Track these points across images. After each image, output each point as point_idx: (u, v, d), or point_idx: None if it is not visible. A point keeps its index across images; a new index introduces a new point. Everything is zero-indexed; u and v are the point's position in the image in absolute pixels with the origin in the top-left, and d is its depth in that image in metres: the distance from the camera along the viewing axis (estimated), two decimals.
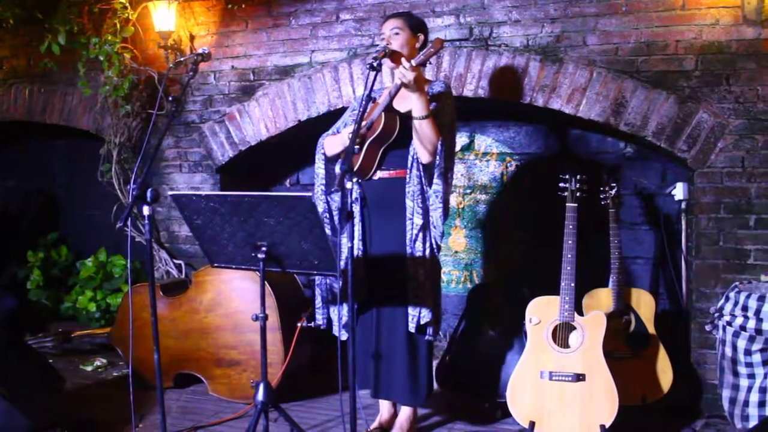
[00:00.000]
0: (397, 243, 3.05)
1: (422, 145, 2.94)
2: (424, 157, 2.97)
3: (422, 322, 3.03)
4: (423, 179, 3.01)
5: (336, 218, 3.20)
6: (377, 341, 3.10)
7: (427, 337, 3.08)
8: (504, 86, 3.76)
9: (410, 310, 3.02)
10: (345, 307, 3.08)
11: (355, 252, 3.10)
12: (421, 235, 3.00)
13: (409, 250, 3.02)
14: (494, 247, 4.35)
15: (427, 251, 3.04)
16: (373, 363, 3.10)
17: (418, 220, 3.00)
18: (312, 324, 3.27)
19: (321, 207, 3.16)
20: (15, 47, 5.08)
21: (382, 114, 2.97)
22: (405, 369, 3.06)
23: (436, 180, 3.00)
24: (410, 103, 2.93)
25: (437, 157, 2.96)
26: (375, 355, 3.09)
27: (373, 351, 3.09)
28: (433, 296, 3.08)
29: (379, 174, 3.08)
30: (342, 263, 2.78)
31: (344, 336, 3.09)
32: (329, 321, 3.24)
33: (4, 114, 5.19)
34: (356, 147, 2.97)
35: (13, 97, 5.14)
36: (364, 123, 3.00)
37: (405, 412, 3.23)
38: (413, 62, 2.87)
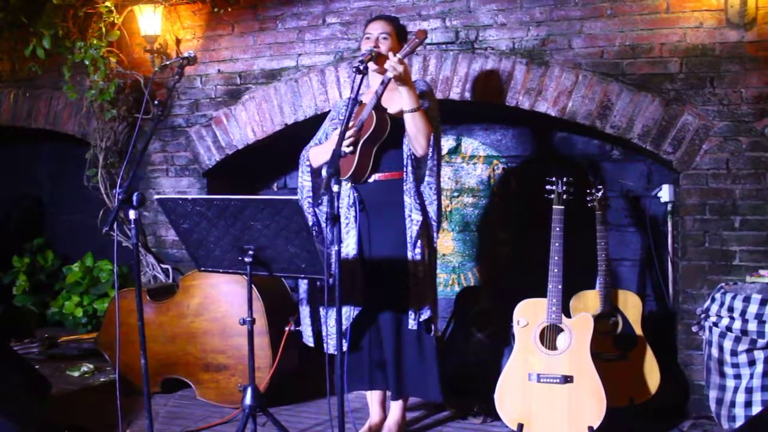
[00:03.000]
0: (397, 243, 3.05)
1: (417, 138, 2.96)
2: (420, 150, 2.99)
3: (421, 319, 3.03)
4: (417, 175, 3.04)
5: (325, 230, 3.18)
6: (384, 342, 3.09)
7: (432, 333, 3.09)
8: (490, 89, 3.77)
9: (411, 308, 3.02)
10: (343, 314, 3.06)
11: (350, 256, 3.09)
12: (420, 231, 3.01)
13: (410, 248, 3.02)
14: (482, 250, 4.36)
15: (426, 248, 3.05)
16: (385, 364, 3.09)
17: (417, 216, 3.01)
18: (300, 329, 3.26)
19: (309, 220, 3.15)
20: None
21: (373, 112, 2.97)
22: (416, 365, 3.08)
23: (428, 173, 3.05)
24: (399, 100, 2.95)
25: (430, 149, 2.97)
26: (386, 357, 3.08)
27: (381, 353, 3.09)
28: (432, 292, 3.10)
29: (375, 176, 3.08)
30: (332, 269, 2.77)
31: (332, 349, 3.08)
32: (319, 337, 3.23)
33: None
34: (350, 149, 2.98)
35: None
36: (352, 125, 3.00)
37: (394, 415, 3.23)
38: (399, 55, 2.90)
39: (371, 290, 3.08)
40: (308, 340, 3.26)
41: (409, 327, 3.03)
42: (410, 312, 3.02)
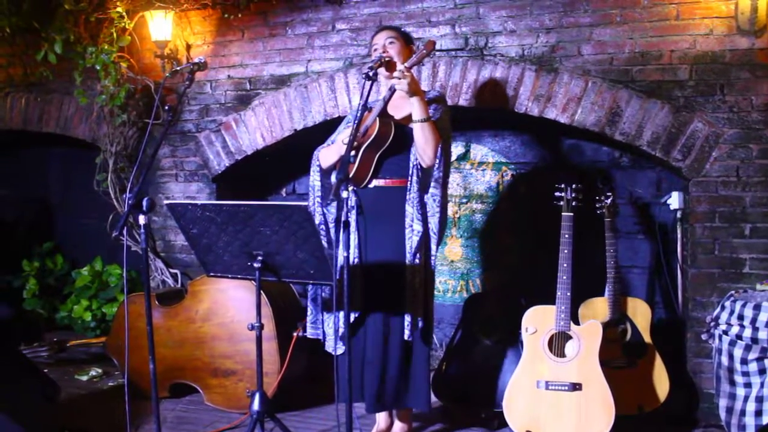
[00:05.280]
0: (394, 251, 3.03)
1: (425, 149, 2.94)
2: (427, 161, 2.97)
3: (415, 329, 3.01)
4: (422, 185, 3.02)
5: (333, 230, 3.19)
6: (376, 351, 3.06)
7: (425, 343, 3.06)
8: (499, 96, 3.77)
9: (406, 317, 3.00)
10: (341, 318, 3.05)
11: (351, 261, 3.08)
12: (420, 242, 3.00)
13: (408, 258, 3.00)
14: (490, 257, 4.35)
15: (424, 259, 3.04)
16: (374, 373, 3.06)
17: (418, 227, 2.99)
18: (307, 334, 3.26)
19: (318, 219, 3.14)
20: (11, 56, 5.09)
21: (377, 119, 2.97)
22: (402, 375, 3.05)
23: (433, 184, 3.01)
24: (408, 109, 2.95)
25: (437, 161, 2.97)
26: (375, 365, 3.05)
27: (372, 361, 3.05)
28: (426, 304, 3.07)
29: (375, 182, 3.07)
30: (338, 273, 2.77)
31: (340, 350, 3.06)
32: (324, 334, 3.22)
33: (0, 123, 5.18)
34: (352, 155, 2.98)
35: (9, 105, 5.14)
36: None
37: (400, 423, 3.22)
38: (406, 64, 2.91)
39: (366, 296, 3.08)
40: (313, 334, 3.24)
41: (405, 337, 3.00)
42: (405, 321, 2.99)
